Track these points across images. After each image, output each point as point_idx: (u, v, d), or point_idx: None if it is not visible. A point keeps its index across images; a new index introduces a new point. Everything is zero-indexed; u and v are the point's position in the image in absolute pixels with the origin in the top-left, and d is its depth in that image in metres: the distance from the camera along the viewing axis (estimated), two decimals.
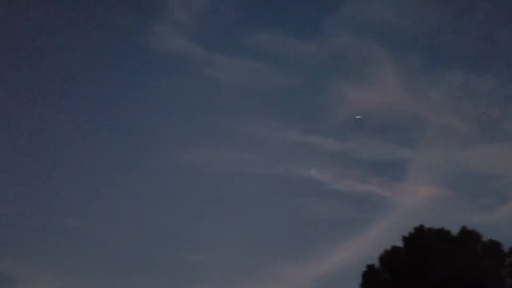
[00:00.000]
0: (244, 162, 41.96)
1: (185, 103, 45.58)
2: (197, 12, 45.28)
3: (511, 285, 18.94)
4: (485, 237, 19.49)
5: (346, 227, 37.26)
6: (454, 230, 19.66)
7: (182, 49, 44.19)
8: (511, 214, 34.74)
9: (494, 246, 19.38)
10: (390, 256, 20.20)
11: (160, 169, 44.00)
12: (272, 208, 41.31)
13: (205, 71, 44.01)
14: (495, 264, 19.03)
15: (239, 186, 41.54)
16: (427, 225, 20.17)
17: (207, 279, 35.49)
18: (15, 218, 45.16)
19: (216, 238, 38.71)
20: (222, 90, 44.81)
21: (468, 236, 19.49)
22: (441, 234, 19.71)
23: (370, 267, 20.60)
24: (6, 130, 43.81)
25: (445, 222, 20.66)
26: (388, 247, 20.39)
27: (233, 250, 37.77)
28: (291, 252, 37.46)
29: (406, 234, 20.20)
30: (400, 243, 20.30)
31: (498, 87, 39.10)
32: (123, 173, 45.17)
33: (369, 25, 41.77)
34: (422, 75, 41.96)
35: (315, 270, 35.95)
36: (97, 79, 46.12)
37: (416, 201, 37.25)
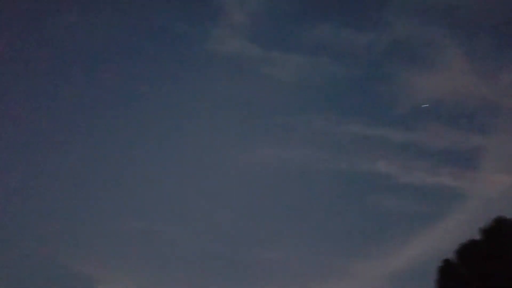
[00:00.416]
0: (307, 159, 41.73)
1: (245, 104, 45.96)
2: (252, 12, 45.61)
3: None
4: None
5: (418, 221, 36.12)
6: None
7: (240, 50, 44.74)
8: None
9: None
10: (467, 250, 19.34)
11: (226, 170, 44.62)
12: (339, 204, 40.76)
13: (263, 70, 44.25)
14: None
15: (304, 184, 41.33)
16: (505, 216, 19.20)
17: (279, 277, 35.66)
18: (92, 221, 47.58)
19: (286, 237, 38.77)
20: (281, 87, 44.77)
21: None
22: None
23: (447, 262, 19.79)
24: (85, 137, 46.61)
25: None
26: (465, 240, 19.59)
27: (304, 248, 37.72)
28: (362, 249, 36.80)
29: (483, 226, 19.32)
30: (477, 236, 19.39)
31: None
32: (191, 175, 46.26)
33: (431, 7, 40.00)
34: (492, 57, 39.64)
35: (387, 267, 35.06)
36: (160, 87, 47.52)
37: (492, 191, 35.30)
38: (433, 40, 40.88)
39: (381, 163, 40.70)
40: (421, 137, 39.71)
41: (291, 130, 43.97)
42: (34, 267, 39.82)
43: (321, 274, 36.91)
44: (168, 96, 49.00)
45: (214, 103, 49.58)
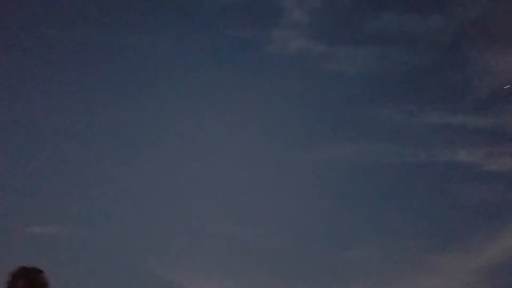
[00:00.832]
0: (381, 154, 40.67)
1: (313, 102, 45.88)
2: (312, 9, 45.38)
3: None
4: None
5: (507, 212, 34.06)
6: None
7: (303, 49, 44.60)
8: None
9: None
10: None
11: (298, 168, 44.76)
12: (419, 198, 39.41)
13: (329, 66, 43.91)
14: None
15: (379, 179, 40.50)
16: None
17: (359, 276, 35.29)
18: (170, 227, 49.16)
19: (364, 234, 38.20)
20: (349, 82, 44.11)
21: None
22: None
23: None
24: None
25: None
26: None
27: (384, 246, 36.91)
28: (447, 243, 35.36)
29: None
30: None
31: None
32: (262, 175, 46.77)
33: None
34: None
35: (476, 261, 33.29)
36: (229, 93, 48.61)
37: None
38: (509, 16, 38.48)
39: (462, 152, 38.61)
40: (505, 121, 37.43)
41: (362, 124, 43.19)
42: (123, 274, 42.13)
43: (403, 271, 35.86)
44: (237, 102, 49.95)
45: (283, 104, 49.69)
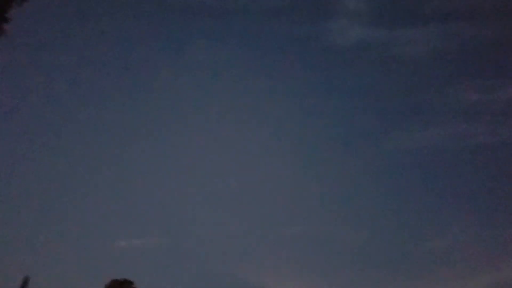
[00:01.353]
0: (456, 135, 30.38)
1: (379, 90, 36.98)
2: None
3: None
4: None
5: None
6: None
7: (363, 37, 37.08)
8: None
9: None
10: None
11: (372, 157, 38.30)
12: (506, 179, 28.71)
13: (391, 51, 35.14)
14: None
15: (457, 162, 31.39)
16: None
17: (447, 265, 31.43)
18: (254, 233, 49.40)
19: (448, 222, 32.57)
20: (415, 65, 33.71)
21: None
22: None
23: None
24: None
25: None
26: None
27: (472, 234, 31.01)
28: None
29: None
30: None
31: None
32: (336, 167, 41.27)
33: None
34: None
35: None
36: (293, 90, 43.99)
37: None
38: None
39: None
40: None
41: (433, 108, 32.90)
42: (209, 280, 46.30)
43: (490, 259, 29.36)
44: (302, 96, 43.68)
45: (347, 94, 40.71)
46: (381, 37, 45.44)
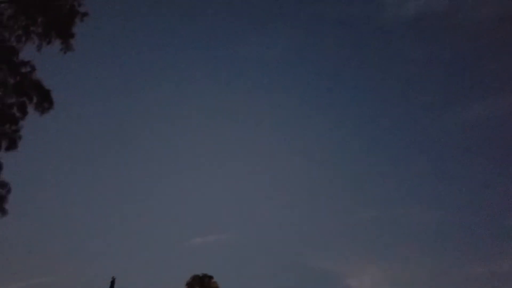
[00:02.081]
0: None
1: (442, 62, 33.90)
2: None
3: None
4: None
5: None
6: None
7: (420, 10, 34.13)
8: None
9: None
10: None
11: (441, 131, 35.05)
12: None
13: (452, 21, 34.18)
14: None
15: None
16: None
17: None
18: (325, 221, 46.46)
19: None
20: (479, 32, 30.53)
21: None
22: None
23: None
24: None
25: None
26: None
27: None
28: None
29: None
30: None
31: None
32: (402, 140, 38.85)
33: None
34: None
35: None
36: (353, 69, 40.81)
37: None
38: None
39: None
40: None
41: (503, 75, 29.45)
42: (289, 270, 45.23)
43: None
44: (363, 74, 40.85)
45: (411, 67, 37.44)
46: (441, 7, 46.53)
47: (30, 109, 17.49)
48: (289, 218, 58.67)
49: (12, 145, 17.03)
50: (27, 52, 17.46)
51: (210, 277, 31.79)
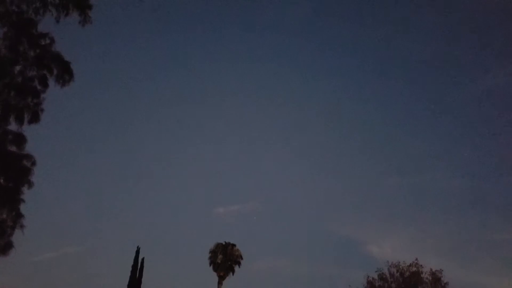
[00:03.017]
0: None
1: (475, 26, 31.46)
2: None
3: None
4: None
5: None
6: None
7: None
8: None
9: None
10: None
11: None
12: None
13: None
14: None
15: None
16: None
17: None
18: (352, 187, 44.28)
19: None
20: None
21: None
22: None
23: None
24: None
25: None
26: None
27: None
28: None
29: None
30: None
31: None
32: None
33: None
34: None
35: None
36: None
37: None
38: None
39: None
40: None
41: None
42: (311, 237, 44.47)
43: None
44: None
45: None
46: None
47: (51, 82, 17.59)
48: (311, 186, 59.54)
49: (34, 118, 17.16)
50: (45, 24, 17.39)
51: (233, 245, 32.32)
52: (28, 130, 17.05)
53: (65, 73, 17.73)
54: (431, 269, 31.00)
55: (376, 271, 31.35)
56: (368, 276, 31.43)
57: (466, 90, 56.81)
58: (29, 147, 17.09)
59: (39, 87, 17.41)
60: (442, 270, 30.87)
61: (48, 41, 17.48)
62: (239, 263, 32.38)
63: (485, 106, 54.24)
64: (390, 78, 65.29)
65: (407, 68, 62.70)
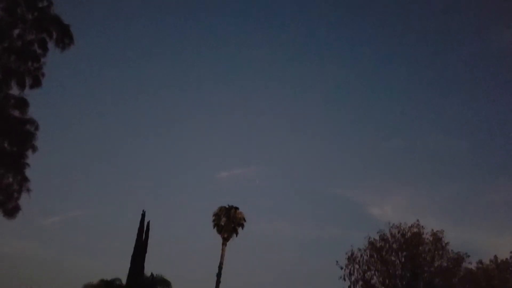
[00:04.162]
0: None
1: None
2: None
3: None
4: None
5: None
6: None
7: None
8: None
9: None
10: None
11: None
12: None
13: None
14: None
15: None
16: None
17: None
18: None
19: None
20: None
21: None
22: None
23: None
24: None
25: None
26: None
27: None
28: None
29: None
30: None
31: None
32: None
33: None
34: None
35: None
36: None
37: None
38: None
39: None
40: None
41: None
42: (313, 199, 43.66)
43: None
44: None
45: None
46: None
47: (51, 45, 17.37)
48: (313, 151, 59.55)
49: (36, 82, 17.05)
50: None
51: (236, 208, 32.70)
52: (30, 94, 16.99)
53: (65, 37, 17.49)
54: (432, 230, 31.22)
55: (377, 232, 31.58)
56: (369, 237, 31.70)
57: (465, 50, 56.11)
58: (32, 112, 17.10)
59: (38, 51, 17.21)
60: (443, 231, 31.10)
61: (46, 3, 17.18)
62: (242, 225, 32.86)
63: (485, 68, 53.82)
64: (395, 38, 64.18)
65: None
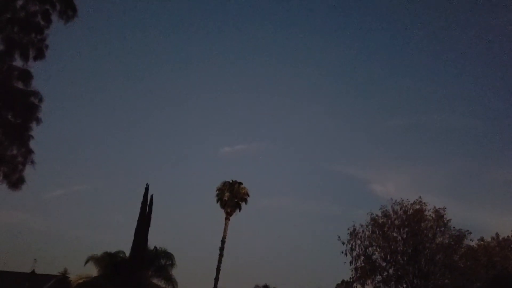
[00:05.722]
0: None
1: None
2: None
3: None
4: None
5: None
6: None
7: None
8: None
9: None
10: None
11: None
12: None
13: None
14: None
15: None
16: None
17: None
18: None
19: None
20: None
21: None
22: None
23: None
24: None
25: None
26: None
27: None
28: None
29: None
30: None
31: None
32: None
33: None
34: None
35: None
36: None
37: None
38: None
39: None
40: None
41: None
42: (316, 175, 42.06)
43: None
44: None
45: None
46: None
47: (54, 17, 17.23)
48: (316, 128, 59.66)
49: (39, 54, 16.96)
50: None
51: (240, 183, 32.87)
52: (34, 66, 16.91)
53: (68, 9, 17.34)
54: (434, 207, 31.42)
55: (380, 209, 31.87)
56: (371, 213, 31.99)
57: (471, 28, 55.45)
58: (36, 84, 17.04)
59: (42, 23, 17.08)
60: (446, 208, 31.29)
61: None
62: (245, 200, 33.13)
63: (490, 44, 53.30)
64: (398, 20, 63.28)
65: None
